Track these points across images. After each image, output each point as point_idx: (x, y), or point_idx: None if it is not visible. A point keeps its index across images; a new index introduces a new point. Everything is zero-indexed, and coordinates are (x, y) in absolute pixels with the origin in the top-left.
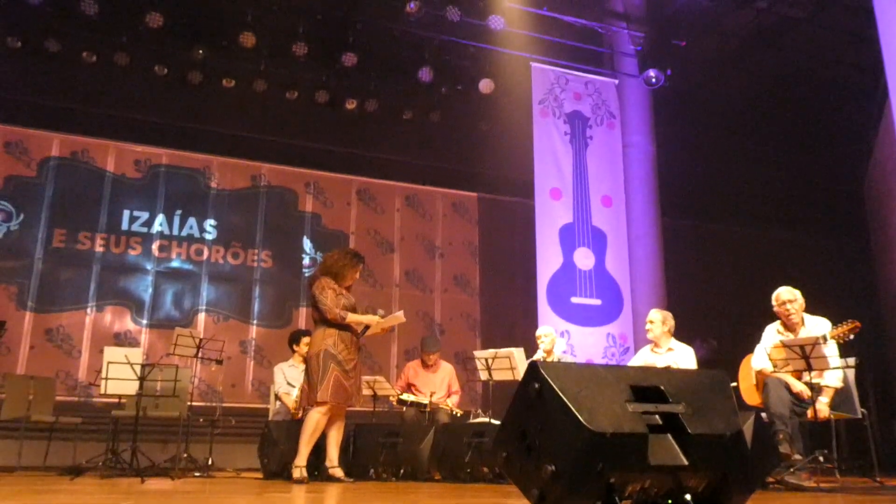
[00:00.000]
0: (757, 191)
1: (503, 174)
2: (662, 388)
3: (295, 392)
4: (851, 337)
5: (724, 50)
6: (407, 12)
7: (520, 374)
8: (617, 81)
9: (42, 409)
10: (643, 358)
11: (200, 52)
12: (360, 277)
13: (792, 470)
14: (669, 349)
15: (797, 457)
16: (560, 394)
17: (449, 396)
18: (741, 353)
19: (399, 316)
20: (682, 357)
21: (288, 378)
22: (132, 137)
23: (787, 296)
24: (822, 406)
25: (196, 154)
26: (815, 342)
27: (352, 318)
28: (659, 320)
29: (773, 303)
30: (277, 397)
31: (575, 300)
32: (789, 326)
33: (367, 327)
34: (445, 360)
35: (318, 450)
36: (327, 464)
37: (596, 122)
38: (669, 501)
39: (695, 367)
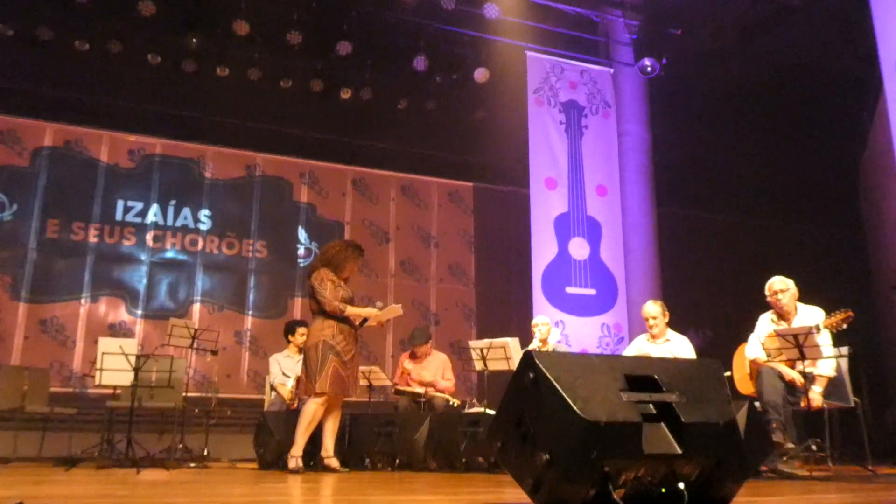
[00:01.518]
0: (752, 180)
1: (498, 163)
2: (656, 377)
3: (290, 382)
4: (844, 326)
5: (720, 39)
6: (402, 0)
7: (515, 363)
8: (612, 70)
9: (37, 400)
10: (639, 347)
11: (194, 40)
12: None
13: (785, 458)
14: (666, 339)
15: (790, 445)
16: (555, 383)
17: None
18: (735, 342)
19: (397, 308)
20: (680, 347)
21: (283, 368)
22: (126, 127)
23: (779, 285)
24: (815, 395)
25: (190, 143)
26: (809, 331)
27: (351, 310)
28: (660, 313)
29: (766, 292)
30: (273, 388)
31: (570, 290)
32: (782, 315)
33: (364, 320)
34: (441, 350)
35: (314, 440)
36: (323, 454)
37: (591, 111)
38: (663, 489)
39: (694, 356)
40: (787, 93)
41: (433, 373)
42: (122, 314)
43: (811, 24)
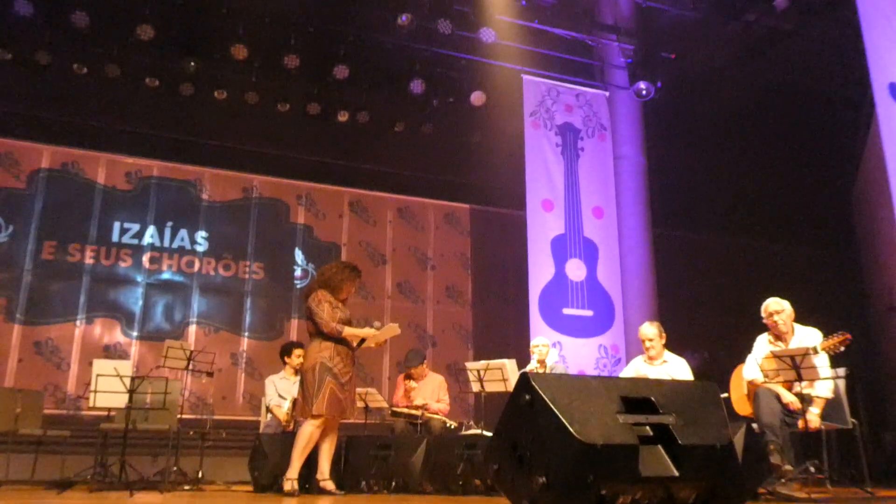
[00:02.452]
0: (747, 201)
1: (495, 186)
2: (653, 399)
3: (286, 404)
4: (842, 349)
5: (714, 62)
6: (398, 25)
7: (512, 385)
8: (608, 93)
9: (30, 423)
10: (636, 369)
11: (192, 63)
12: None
13: (783, 481)
14: (663, 361)
15: (788, 467)
16: (551, 405)
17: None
18: (733, 363)
19: (394, 327)
20: (677, 368)
21: (279, 390)
22: (123, 149)
23: (774, 307)
24: (813, 416)
25: (187, 166)
26: (806, 353)
27: (348, 331)
28: (657, 334)
29: (762, 314)
30: (268, 410)
31: (567, 311)
32: (780, 337)
33: (362, 340)
34: (438, 372)
35: (310, 462)
36: (318, 476)
37: (587, 133)
38: None
39: (691, 378)
40: (781, 115)
41: (429, 395)
42: (117, 336)
43: (804, 48)
